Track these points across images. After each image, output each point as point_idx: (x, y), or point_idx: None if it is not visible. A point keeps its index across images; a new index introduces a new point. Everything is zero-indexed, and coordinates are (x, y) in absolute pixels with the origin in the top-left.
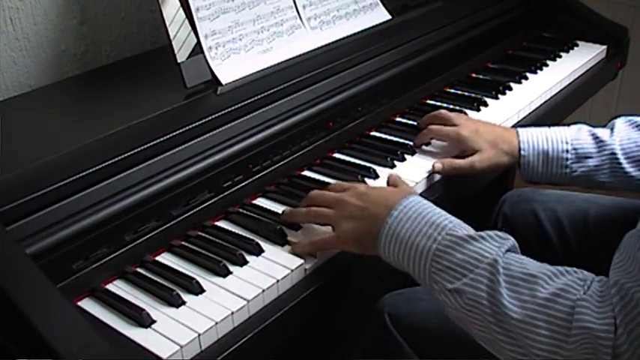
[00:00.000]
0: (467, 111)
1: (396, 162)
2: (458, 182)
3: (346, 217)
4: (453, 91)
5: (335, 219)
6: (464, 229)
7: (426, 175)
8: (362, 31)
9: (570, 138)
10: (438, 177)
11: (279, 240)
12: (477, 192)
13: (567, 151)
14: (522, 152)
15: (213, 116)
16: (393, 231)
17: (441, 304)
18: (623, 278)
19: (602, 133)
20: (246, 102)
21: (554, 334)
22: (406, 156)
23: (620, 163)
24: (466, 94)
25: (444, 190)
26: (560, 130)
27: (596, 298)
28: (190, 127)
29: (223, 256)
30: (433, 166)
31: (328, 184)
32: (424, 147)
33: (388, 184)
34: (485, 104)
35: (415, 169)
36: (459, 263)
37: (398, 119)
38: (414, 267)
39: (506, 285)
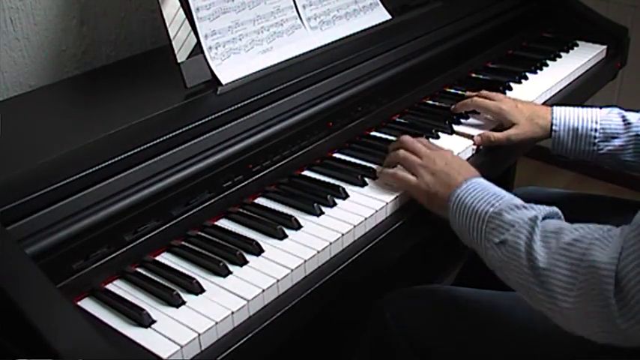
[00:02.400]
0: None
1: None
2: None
3: (429, 171)
4: (453, 91)
5: (419, 169)
6: (519, 200)
7: None
8: (362, 31)
9: (600, 118)
10: None
11: (279, 239)
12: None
13: (596, 130)
14: (554, 127)
15: (213, 116)
16: (461, 198)
17: (490, 260)
18: None
19: (632, 116)
20: (246, 102)
21: (571, 273)
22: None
23: None
24: (466, 94)
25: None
26: (593, 111)
27: (610, 238)
28: (190, 127)
29: (223, 256)
30: (473, 139)
31: (328, 183)
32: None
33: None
34: None
35: None
36: (508, 221)
37: (398, 119)
38: (474, 230)
39: (540, 236)
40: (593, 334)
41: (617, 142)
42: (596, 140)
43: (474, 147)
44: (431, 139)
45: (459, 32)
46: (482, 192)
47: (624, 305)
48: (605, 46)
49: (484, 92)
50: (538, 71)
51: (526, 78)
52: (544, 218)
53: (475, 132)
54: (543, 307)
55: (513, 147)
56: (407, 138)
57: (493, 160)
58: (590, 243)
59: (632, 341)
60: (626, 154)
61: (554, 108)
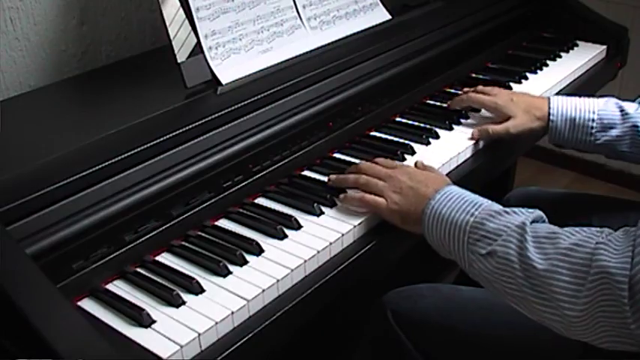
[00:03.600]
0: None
1: (396, 162)
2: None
3: (396, 191)
4: (453, 91)
5: (385, 190)
6: (498, 206)
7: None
8: (362, 31)
9: (597, 108)
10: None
11: (279, 239)
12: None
13: (593, 120)
14: (551, 117)
15: (213, 116)
16: (436, 210)
17: (476, 273)
18: None
19: (629, 106)
20: (246, 102)
21: (575, 279)
22: (406, 156)
23: None
24: (464, 90)
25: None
26: (590, 101)
27: (616, 242)
28: (190, 127)
29: (223, 256)
30: (472, 134)
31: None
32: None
33: (416, 167)
34: None
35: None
36: (493, 231)
37: (398, 119)
38: (453, 242)
39: (532, 242)
40: (598, 339)
41: (613, 133)
42: (593, 130)
43: (474, 146)
44: (430, 139)
45: (459, 32)
46: (458, 201)
47: (638, 310)
48: (605, 46)
49: (480, 88)
50: (538, 71)
51: (526, 78)
52: (532, 222)
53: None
54: (542, 317)
55: (513, 143)
56: (364, 164)
57: (493, 160)
58: (594, 248)
59: None
60: (622, 144)
61: (551, 98)
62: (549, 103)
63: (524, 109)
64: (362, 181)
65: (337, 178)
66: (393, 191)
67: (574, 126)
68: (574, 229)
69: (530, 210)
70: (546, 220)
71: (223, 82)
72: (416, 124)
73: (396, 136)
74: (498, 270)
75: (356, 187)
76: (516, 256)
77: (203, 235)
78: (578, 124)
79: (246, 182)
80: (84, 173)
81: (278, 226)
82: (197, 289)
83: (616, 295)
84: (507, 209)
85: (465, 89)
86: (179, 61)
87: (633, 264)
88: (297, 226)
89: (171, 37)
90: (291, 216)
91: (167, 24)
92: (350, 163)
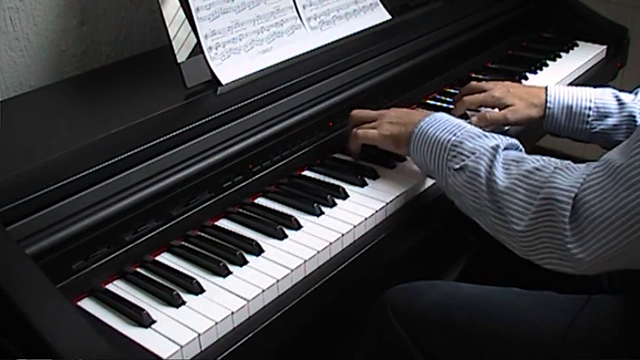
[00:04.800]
0: (466, 111)
1: (396, 162)
2: None
3: (387, 121)
4: (453, 91)
5: (378, 123)
6: (480, 130)
7: None
8: (362, 31)
9: (594, 97)
10: None
11: (279, 239)
12: None
13: (590, 108)
14: (548, 105)
15: (213, 116)
16: (424, 130)
17: (450, 188)
18: (614, 155)
19: (625, 96)
20: (246, 102)
21: (528, 198)
22: (407, 157)
23: (637, 125)
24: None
25: None
26: (587, 90)
27: (573, 169)
28: (190, 127)
29: (223, 256)
30: (471, 120)
31: (328, 183)
32: None
33: None
34: None
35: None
36: (469, 149)
37: None
38: (435, 159)
39: (501, 162)
40: (543, 259)
41: (610, 122)
42: (590, 119)
43: None
44: None
45: (459, 32)
46: (445, 122)
47: (579, 232)
48: (605, 46)
49: (472, 84)
50: (538, 71)
51: (526, 78)
52: (505, 148)
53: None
54: (496, 231)
55: (513, 125)
56: (354, 112)
57: None
58: (552, 172)
59: (583, 269)
60: (619, 133)
61: (549, 86)
62: (546, 91)
63: (523, 98)
64: (357, 118)
65: (348, 147)
66: (384, 122)
67: (571, 114)
68: (541, 157)
69: (507, 137)
70: (522, 149)
71: (223, 82)
72: None
73: None
74: (466, 184)
75: (355, 123)
76: (484, 173)
77: (203, 235)
78: (574, 112)
79: (246, 182)
80: (84, 173)
81: (278, 226)
82: (197, 289)
83: (558, 213)
84: (487, 133)
85: (459, 92)
86: (179, 61)
87: (582, 188)
88: (297, 226)
89: (171, 37)
90: (291, 216)
91: (167, 24)
92: (350, 164)
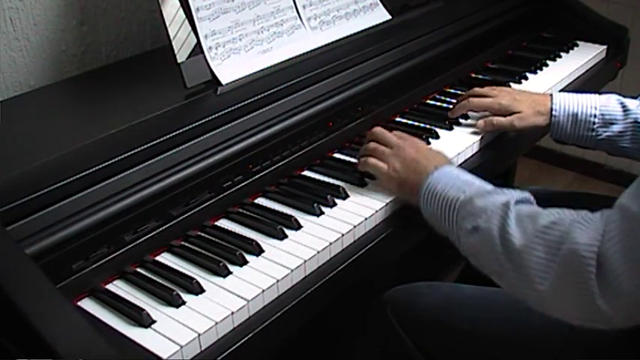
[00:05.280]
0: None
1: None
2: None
3: (399, 159)
4: (453, 91)
5: (389, 157)
6: (491, 186)
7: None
8: (362, 31)
9: (599, 104)
10: None
11: (279, 239)
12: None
13: (595, 115)
14: (554, 112)
15: (213, 116)
16: (432, 186)
17: (464, 248)
18: (628, 201)
19: (630, 102)
20: (246, 102)
21: (548, 255)
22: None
23: None
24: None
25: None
26: (592, 97)
27: (591, 221)
28: (190, 127)
29: (223, 256)
30: (478, 125)
31: (328, 183)
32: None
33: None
34: None
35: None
36: (479, 207)
37: (398, 119)
38: (445, 217)
39: (514, 219)
40: (569, 315)
41: (615, 128)
42: (595, 126)
43: (476, 144)
44: (431, 139)
45: (459, 32)
46: (453, 179)
47: (606, 286)
48: (605, 46)
49: (477, 90)
50: (538, 71)
51: (526, 78)
52: (517, 203)
53: (475, 131)
54: (518, 291)
55: (513, 142)
56: (377, 129)
57: (492, 160)
58: (569, 225)
59: (614, 322)
60: (624, 140)
61: (554, 94)
62: (552, 99)
63: (529, 106)
64: (371, 147)
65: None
66: (397, 159)
67: (576, 121)
68: (556, 209)
69: (519, 191)
70: (534, 202)
71: (223, 82)
72: (416, 124)
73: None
74: (480, 245)
75: (367, 151)
76: (498, 232)
77: (203, 235)
78: (580, 119)
79: (246, 182)
80: (84, 173)
81: (278, 226)
82: (197, 289)
83: (583, 270)
84: (498, 189)
85: (464, 94)
86: (179, 61)
87: (603, 240)
88: (297, 226)
89: (171, 37)
90: (291, 216)
91: (167, 24)
92: (350, 164)
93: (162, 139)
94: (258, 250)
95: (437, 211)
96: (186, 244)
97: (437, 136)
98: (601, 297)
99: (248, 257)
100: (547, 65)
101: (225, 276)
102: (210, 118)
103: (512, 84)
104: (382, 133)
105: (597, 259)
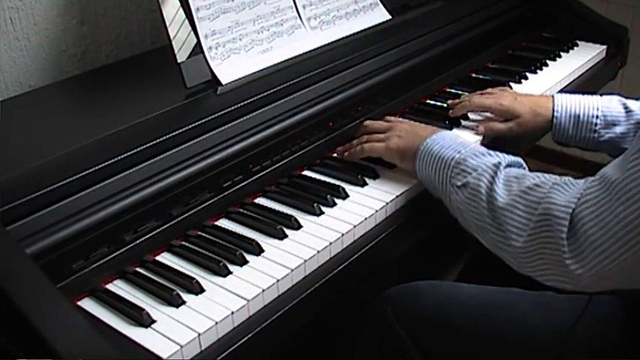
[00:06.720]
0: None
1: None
2: None
3: (397, 134)
4: (453, 91)
5: (387, 135)
6: (485, 148)
7: None
8: (362, 31)
9: (601, 105)
10: None
11: (279, 239)
12: None
13: (597, 117)
14: (555, 114)
15: (213, 116)
16: (429, 147)
17: (453, 205)
18: (610, 170)
19: (632, 104)
20: (246, 102)
21: (526, 214)
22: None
23: None
24: (466, 94)
25: None
26: (594, 98)
27: (572, 185)
28: (190, 127)
29: (223, 256)
30: (479, 129)
31: (328, 183)
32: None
33: None
34: None
35: None
36: (471, 166)
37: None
38: (439, 176)
39: (502, 179)
40: (542, 275)
41: (617, 130)
42: (597, 127)
43: (478, 142)
44: None
45: (459, 32)
46: (449, 141)
47: (577, 247)
48: (605, 46)
49: (478, 93)
50: (538, 71)
51: (526, 78)
52: (508, 165)
53: (475, 131)
54: (496, 247)
55: (514, 143)
56: (367, 122)
57: None
58: (550, 188)
59: (582, 285)
60: (626, 141)
61: (555, 95)
62: (553, 101)
63: (530, 108)
64: (365, 138)
65: (348, 153)
66: (394, 134)
67: (578, 123)
68: (542, 173)
69: (512, 156)
70: (525, 167)
71: (223, 82)
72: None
73: None
74: (468, 200)
75: (361, 142)
76: (485, 190)
77: (203, 235)
78: (582, 120)
79: (246, 182)
80: (84, 173)
81: (278, 226)
82: (197, 289)
83: (555, 230)
84: (492, 152)
85: (464, 96)
86: (179, 61)
87: (578, 204)
88: (297, 226)
89: (171, 37)
90: (291, 216)
91: (167, 24)
92: (350, 164)
93: (162, 138)
94: (258, 250)
95: (432, 170)
96: (186, 244)
97: None
98: (571, 257)
99: (248, 257)
100: (547, 65)
101: (225, 276)
102: (210, 117)
103: (512, 84)
104: (371, 122)
105: (571, 220)
